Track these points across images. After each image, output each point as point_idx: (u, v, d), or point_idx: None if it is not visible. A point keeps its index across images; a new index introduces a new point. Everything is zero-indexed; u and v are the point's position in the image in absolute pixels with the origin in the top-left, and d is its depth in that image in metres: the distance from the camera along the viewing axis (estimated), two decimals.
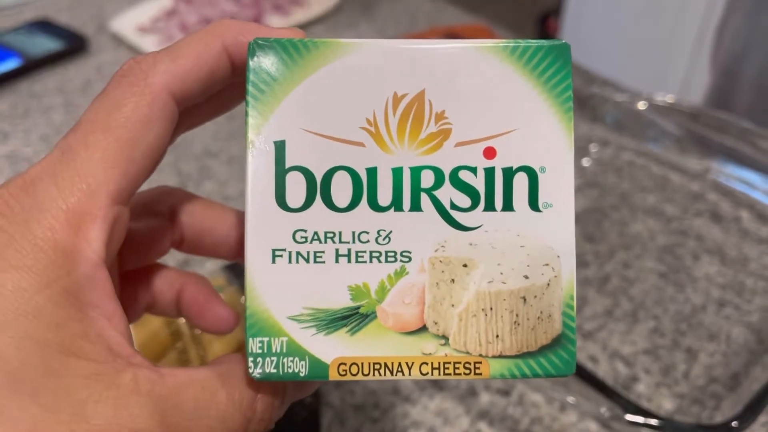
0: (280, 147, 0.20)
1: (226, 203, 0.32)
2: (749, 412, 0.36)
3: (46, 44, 0.73)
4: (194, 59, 0.21)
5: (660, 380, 0.42)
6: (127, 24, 0.78)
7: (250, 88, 0.20)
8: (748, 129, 0.57)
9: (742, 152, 0.57)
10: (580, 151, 0.59)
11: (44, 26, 0.76)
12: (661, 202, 0.56)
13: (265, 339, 0.20)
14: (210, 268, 0.48)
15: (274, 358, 0.20)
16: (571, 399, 0.39)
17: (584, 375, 0.37)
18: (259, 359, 0.20)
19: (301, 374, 0.20)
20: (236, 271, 0.41)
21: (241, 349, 0.22)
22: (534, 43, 0.20)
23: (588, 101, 0.58)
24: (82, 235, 0.19)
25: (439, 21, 0.85)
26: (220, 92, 0.23)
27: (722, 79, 0.74)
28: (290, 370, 0.20)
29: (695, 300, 0.48)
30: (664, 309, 0.47)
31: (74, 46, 0.74)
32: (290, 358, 0.20)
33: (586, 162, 0.59)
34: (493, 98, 0.20)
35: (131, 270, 0.26)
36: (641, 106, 0.59)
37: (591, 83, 0.63)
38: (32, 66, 0.71)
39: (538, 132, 0.20)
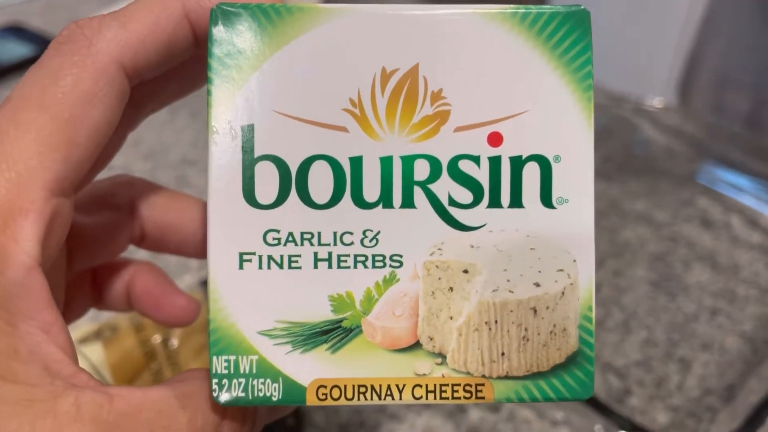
0: (248, 132, 0.17)
1: None
2: (748, 427, 0.35)
3: (17, 50, 0.70)
4: (149, 26, 0.18)
5: (653, 393, 0.40)
6: None
7: (212, 62, 0.17)
8: (737, 132, 0.56)
9: (731, 156, 0.56)
10: None
11: (16, 32, 0.73)
12: (650, 207, 0.54)
13: (232, 357, 0.17)
14: (188, 281, 0.45)
15: (242, 380, 0.17)
16: (562, 415, 0.37)
17: None
18: (225, 381, 0.17)
19: (274, 398, 0.17)
20: None
21: None
22: (548, 8, 0.17)
23: None
24: (10, 233, 0.16)
25: None
26: (186, 66, 0.20)
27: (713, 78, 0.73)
28: (261, 394, 0.17)
29: (687, 309, 0.46)
30: (656, 318, 0.45)
31: None
32: (261, 380, 0.17)
33: None
34: (499, 74, 0.17)
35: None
36: (628, 110, 0.57)
37: None
38: (3, 73, 0.68)
39: (553, 114, 0.17)
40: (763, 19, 0.64)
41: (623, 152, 0.58)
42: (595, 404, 0.35)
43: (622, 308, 0.46)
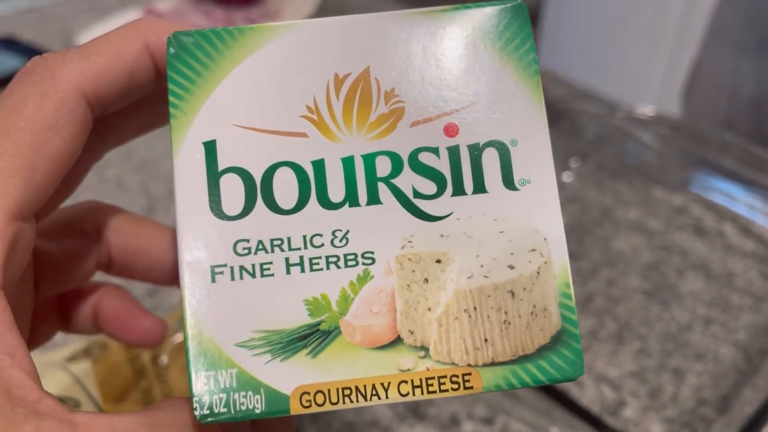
0: (210, 147, 0.17)
1: None
2: None
3: (9, 63, 0.69)
4: (111, 58, 0.18)
5: (648, 404, 0.40)
6: None
7: (170, 85, 0.18)
8: (729, 141, 0.56)
9: (724, 164, 0.56)
10: (560, 165, 0.57)
11: (8, 44, 0.72)
12: (643, 216, 0.54)
13: (211, 373, 0.17)
14: (178, 295, 0.44)
15: (223, 395, 0.17)
16: (555, 430, 0.36)
17: (569, 403, 0.35)
18: (206, 397, 0.17)
19: (257, 410, 0.17)
20: None
21: None
22: (485, 5, 0.18)
23: (567, 114, 0.56)
24: None
25: None
26: (150, 102, 0.21)
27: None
28: (243, 407, 0.17)
29: (681, 318, 0.46)
30: (649, 328, 0.45)
31: None
32: (242, 393, 0.17)
33: (566, 177, 0.57)
34: (446, 69, 0.18)
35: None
36: (621, 119, 0.57)
37: (571, 94, 0.62)
38: None
39: (503, 101, 0.18)
40: (760, 29, 0.65)
41: (616, 160, 0.59)
42: (589, 417, 0.34)
43: (616, 318, 0.45)
